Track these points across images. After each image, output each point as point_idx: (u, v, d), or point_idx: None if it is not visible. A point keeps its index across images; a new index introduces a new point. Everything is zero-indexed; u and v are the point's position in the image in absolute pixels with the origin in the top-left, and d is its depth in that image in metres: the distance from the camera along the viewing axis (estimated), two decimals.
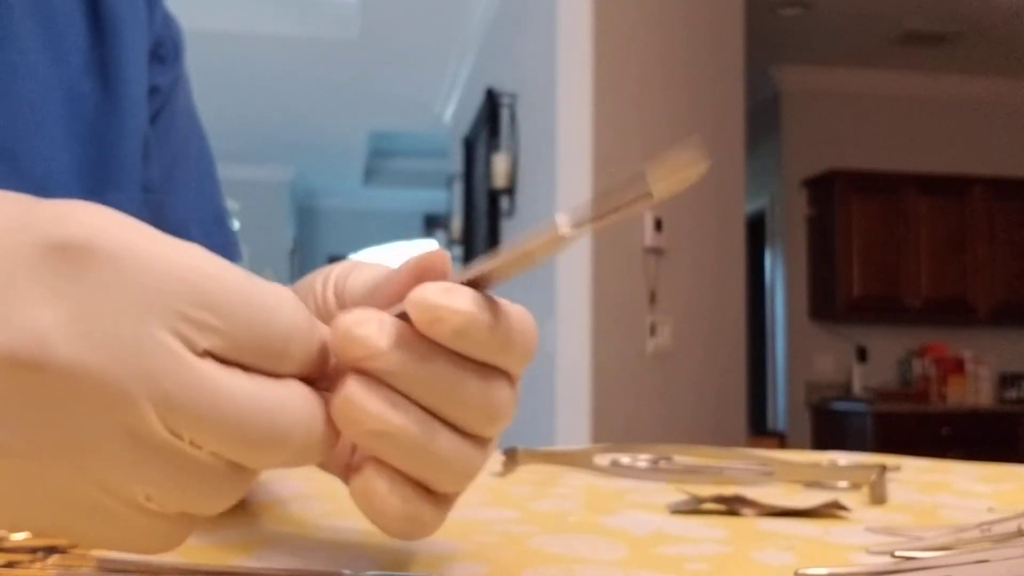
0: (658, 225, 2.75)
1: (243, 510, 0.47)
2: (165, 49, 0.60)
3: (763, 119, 5.34)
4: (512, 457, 0.64)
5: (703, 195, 2.99)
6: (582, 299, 2.57)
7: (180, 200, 0.62)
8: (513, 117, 3.40)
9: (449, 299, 0.26)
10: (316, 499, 0.50)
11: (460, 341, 0.27)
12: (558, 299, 2.61)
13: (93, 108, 0.54)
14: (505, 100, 3.51)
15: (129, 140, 0.55)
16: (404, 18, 4.49)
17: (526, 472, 0.63)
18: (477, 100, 4.05)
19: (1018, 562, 0.30)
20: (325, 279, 0.35)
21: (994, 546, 0.36)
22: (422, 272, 0.30)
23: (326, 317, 0.33)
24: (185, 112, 0.64)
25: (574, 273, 2.57)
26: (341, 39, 4.70)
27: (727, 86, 3.13)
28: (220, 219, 0.65)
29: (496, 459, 0.66)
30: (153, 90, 0.59)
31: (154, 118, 0.60)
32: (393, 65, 5.13)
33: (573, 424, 2.56)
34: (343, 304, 0.33)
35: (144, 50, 0.57)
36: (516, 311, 0.29)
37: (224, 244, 0.65)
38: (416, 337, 0.27)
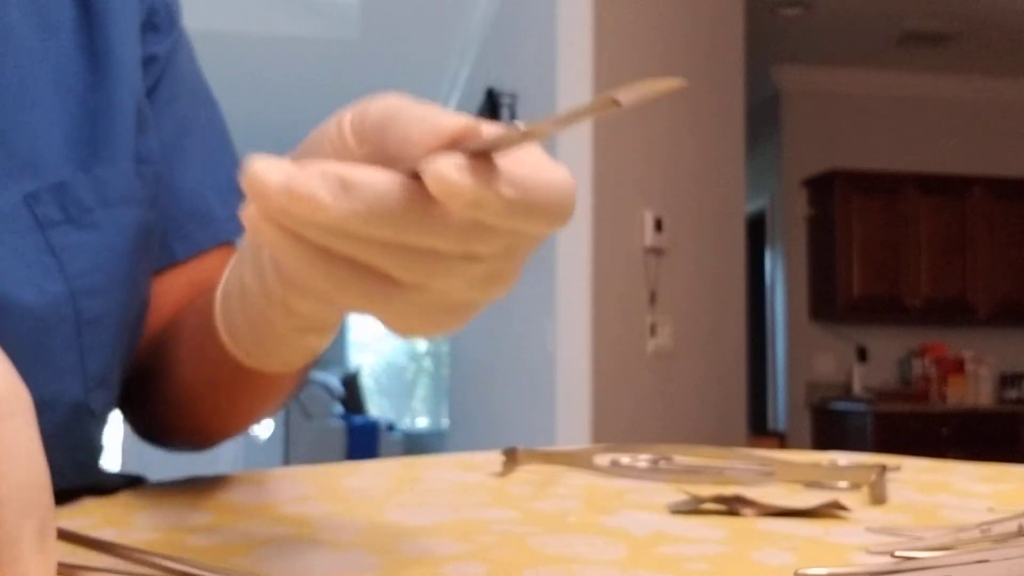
0: (658, 225, 2.75)
1: (243, 511, 0.47)
2: (159, 17, 0.59)
3: (763, 119, 5.34)
4: (512, 457, 0.64)
5: (703, 195, 2.99)
6: (582, 299, 2.57)
7: (193, 169, 0.60)
8: (513, 117, 3.40)
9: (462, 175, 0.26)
10: (316, 500, 0.50)
11: (476, 211, 0.27)
12: (558, 299, 2.61)
13: (83, 84, 0.53)
14: (505, 100, 3.51)
15: (121, 115, 0.53)
16: (404, 18, 4.49)
17: (526, 472, 0.63)
18: (477, 100, 4.05)
19: (1018, 562, 0.30)
20: (339, 123, 0.31)
21: (994, 546, 0.36)
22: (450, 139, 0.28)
23: (345, 156, 0.30)
24: (189, 78, 0.62)
25: (574, 273, 2.58)
26: (341, 39, 4.70)
27: (727, 86, 3.13)
28: (237, 186, 0.64)
29: (496, 459, 0.66)
30: (150, 60, 0.57)
31: (154, 88, 0.58)
32: (393, 65, 5.13)
33: (573, 424, 2.56)
34: (362, 141, 0.30)
35: (135, 22, 0.56)
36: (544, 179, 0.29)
37: None
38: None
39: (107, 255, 0.51)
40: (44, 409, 0.47)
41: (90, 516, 0.45)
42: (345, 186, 0.26)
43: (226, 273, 0.42)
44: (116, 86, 0.53)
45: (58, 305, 0.49)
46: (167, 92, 0.59)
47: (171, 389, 0.54)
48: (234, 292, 0.40)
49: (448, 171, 0.26)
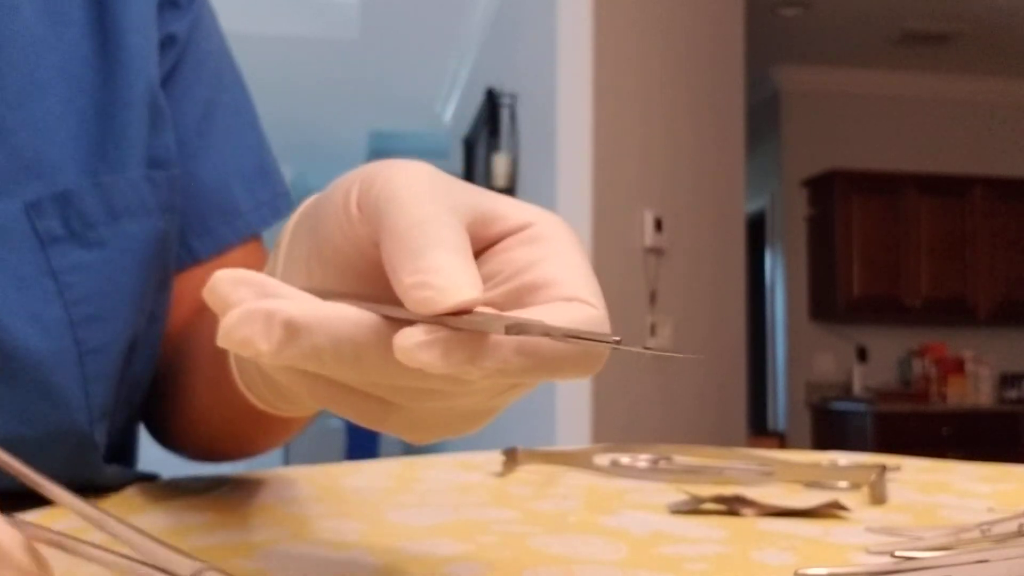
0: (658, 225, 2.75)
1: (243, 511, 0.47)
2: None
3: (763, 119, 5.34)
4: (512, 457, 0.64)
5: (703, 195, 2.99)
6: None
7: (216, 158, 0.55)
8: (513, 117, 3.40)
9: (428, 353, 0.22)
10: (316, 501, 0.50)
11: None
12: None
13: (92, 75, 0.48)
14: (505, 100, 3.51)
15: (133, 112, 0.48)
16: (404, 18, 4.49)
17: (526, 472, 0.63)
18: (477, 100, 4.05)
19: (1018, 562, 0.30)
20: (347, 193, 0.27)
21: (994, 546, 0.36)
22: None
23: (349, 233, 0.27)
24: (212, 57, 0.56)
25: None
26: (341, 39, 4.70)
27: (727, 86, 3.13)
28: (265, 171, 0.58)
29: (496, 459, 0.66)
30: (168, 40, 0.52)
31: (172, 72, 0.53)
32: (393, 65, 5.13)
33: (573, 424, 2.56)
34: (366, 220, 0.26)
35: (151, 6, 0.51)
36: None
37: (272, 198, 0.57)
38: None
39: (111, 277, 0.47)
40: (49, 444, 0.45)
41: None
42: (291, 331, 0.23)
43: None
44: (129, 78, 0.48)
45: (57, 336, 0.45)
46: (188, 75, 0.54)
47: (183, 407, 0.52)
48: None
49: (414, 351, 0.22)
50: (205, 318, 0.51)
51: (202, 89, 0.55)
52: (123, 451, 0.55)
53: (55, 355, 0.45)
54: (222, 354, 0.41)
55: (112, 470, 0.51)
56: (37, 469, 0.28)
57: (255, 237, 0.58)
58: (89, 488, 0.51)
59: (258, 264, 0.56)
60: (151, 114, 0.49)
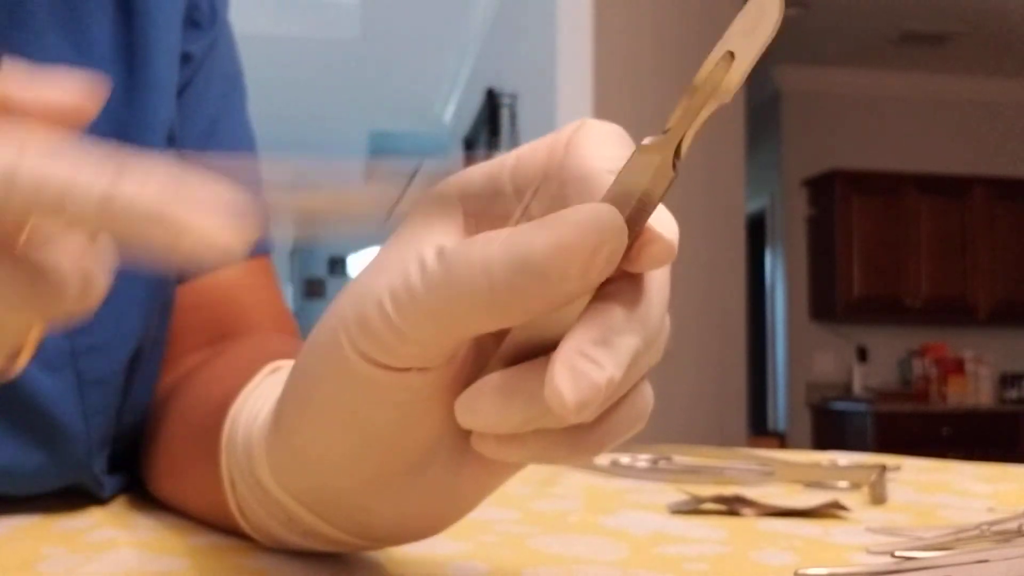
0: None
1: None
2: (200, 12, 0.53)
3: (763, 119, 5.34)
4: None
5: (703, 195, 2.99)
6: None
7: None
8: (513, 117, 3.40)
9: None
10: None
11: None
12: None
13: (116, 102, 0.46)
14: (505, 100, 3.51)
15: (154, 139, 0.47)
16: (404, 18, 4.49)
17: (526, 472, 0.63)
18: (477, 100, 4.05)
19: (1018, 562, 0.30)
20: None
21: (994, 546, 0.36)
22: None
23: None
24: (223, 77, 0.56)
25: None
26: (341, 39, 4.70)
27: None
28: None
29: None
30: (184, 58, 0.51)
31: (183, 90, 0.52)
32: (393, 65, 5.13)
33: None
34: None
35: (176, 32, 0.50)
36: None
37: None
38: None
39: (116, 305, 0.44)
40: (48, 473, 0.44)
41: (91, 516, 0.45)
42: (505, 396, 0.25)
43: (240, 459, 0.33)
44: (152, 106, 0.47)
45: (58, 367, 0.44)
46: (198, 91, 0.53)
47: (156, 459, 0.47)
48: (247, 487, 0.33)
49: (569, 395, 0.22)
50: (208, 369, 0.47)
51: (208, 107, 0.54)
52: (129, 455, 0.54)
53: (55, 387, 0.44)
54: (212, 431, 0.36)
55: (114, 481, 0.49)
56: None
57: (248, 259, 0.55)
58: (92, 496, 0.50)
59: (258, 281, 0.55)
60: (167, 142, 0.48)
